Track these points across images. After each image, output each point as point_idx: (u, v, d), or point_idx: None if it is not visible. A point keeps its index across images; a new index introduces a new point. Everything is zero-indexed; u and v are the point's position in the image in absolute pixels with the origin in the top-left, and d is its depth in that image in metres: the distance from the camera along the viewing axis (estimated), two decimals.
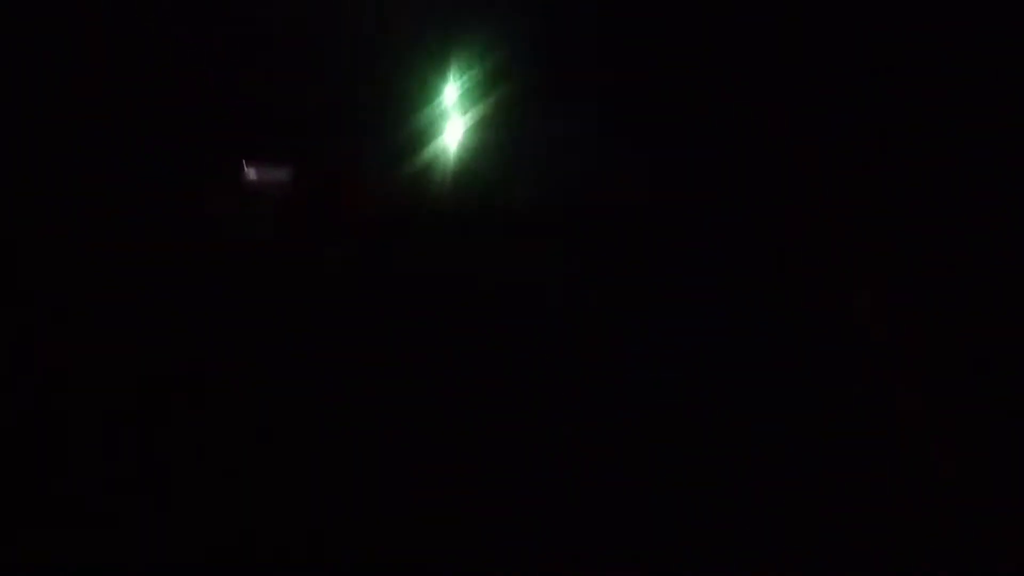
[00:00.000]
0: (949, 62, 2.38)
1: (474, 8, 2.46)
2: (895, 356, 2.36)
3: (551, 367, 2.35)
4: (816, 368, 2.36)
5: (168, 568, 2.16)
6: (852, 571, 2.19)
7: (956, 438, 2.27)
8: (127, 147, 2.40)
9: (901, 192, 2.40)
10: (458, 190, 2.44)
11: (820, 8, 2.43)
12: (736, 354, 2.37)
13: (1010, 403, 2.24)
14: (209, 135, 2.44)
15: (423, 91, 2.46)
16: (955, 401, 2.29)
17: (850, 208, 2.43)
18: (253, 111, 2.47)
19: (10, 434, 2.24)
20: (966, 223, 2.35)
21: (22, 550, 2.14)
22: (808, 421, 2.31)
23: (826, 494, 2.24)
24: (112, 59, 2.43)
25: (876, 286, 2.39)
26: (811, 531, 2.21)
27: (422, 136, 2.45)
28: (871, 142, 2.42)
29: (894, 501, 2.24)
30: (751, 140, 2.46)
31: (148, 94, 2.43)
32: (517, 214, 2.47)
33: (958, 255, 2.35)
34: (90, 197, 2.37)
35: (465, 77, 2.45)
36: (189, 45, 2.45)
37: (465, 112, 2.47)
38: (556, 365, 2.35)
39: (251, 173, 2.44)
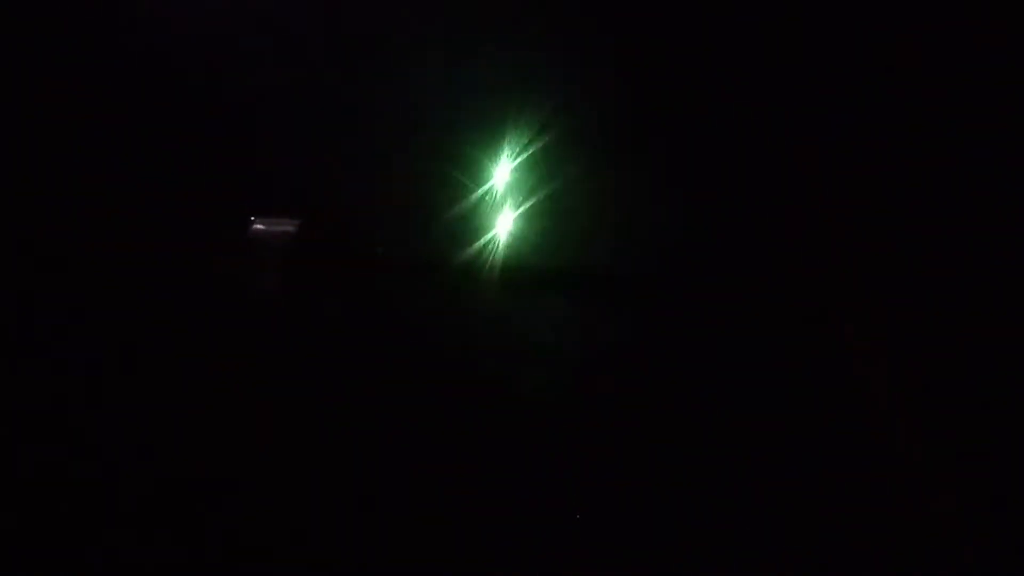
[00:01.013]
0: (949, 62, 2.39)
1: (479, 75, 2.48)
2: (894, 358, 2.37)
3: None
4: (815, 370, 2.37)
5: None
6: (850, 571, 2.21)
7: (955, 440, 2.28)
8: (133, 204, 2.43)
9: (901, 193, 2.41)
10: (465, 245, 2.44)
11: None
12: (736, 357, 2.39)
13: (1008, 404, 2.25)
14: (215, 192, 2.46)
15: (431, 147, 2.47)
16: (954, 402, 2.30)
17: (850, 211, 2.43)
18: (259, 167, 2.49)
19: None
20: (966, 224, 2.36)
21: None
22: (806, 424, 2.32)
23: (825, 496, 2.26)
24: (117, 117, 2.46)
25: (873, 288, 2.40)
26: (809, 533, 2.23)
27: (430, 192, 2.46)
28: (871, 145, 2.43)
29: (892, 503, 2.25)
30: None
31: (154, 154, 2.45)
32: (520, 270, 2.47)
33: (958, 256, 2.35)
34: (98, 256, 2.39)
35: (475, 132, 2.46)
36: (201, 103, 2.48)
37: (474, 166, 2.47)
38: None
39: (257, 229, 2.44)
